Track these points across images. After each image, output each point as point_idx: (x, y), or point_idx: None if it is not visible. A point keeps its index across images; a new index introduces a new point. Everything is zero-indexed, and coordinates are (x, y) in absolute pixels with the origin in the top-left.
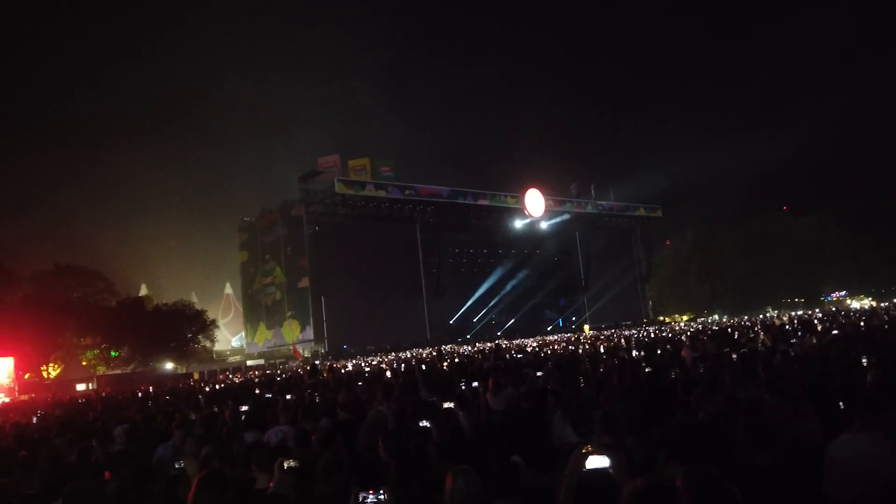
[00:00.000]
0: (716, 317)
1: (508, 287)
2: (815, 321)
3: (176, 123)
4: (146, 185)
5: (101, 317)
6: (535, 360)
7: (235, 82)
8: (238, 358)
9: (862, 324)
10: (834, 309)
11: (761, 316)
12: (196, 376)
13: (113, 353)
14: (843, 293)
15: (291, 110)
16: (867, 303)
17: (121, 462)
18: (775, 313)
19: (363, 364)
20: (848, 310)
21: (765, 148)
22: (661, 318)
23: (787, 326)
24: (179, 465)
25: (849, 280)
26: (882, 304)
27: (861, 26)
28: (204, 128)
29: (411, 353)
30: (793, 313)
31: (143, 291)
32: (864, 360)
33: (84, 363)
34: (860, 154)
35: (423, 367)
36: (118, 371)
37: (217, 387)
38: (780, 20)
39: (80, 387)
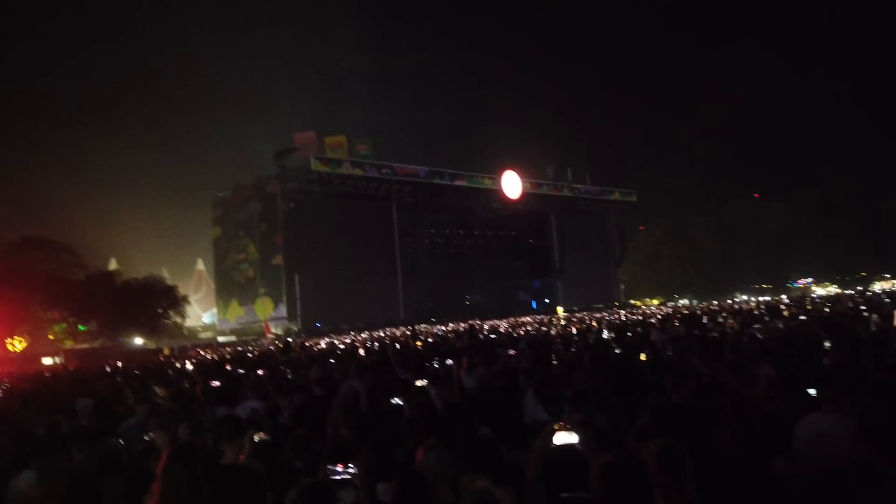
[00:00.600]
0: (686, 301)
1: (484, 268)
2: (782, 306)
3: (150, 98)
4: (118, 159)
5: (68, 290)
6: (509, 340)
7: (211, 58)
8: (209, 334)
9: (827, 310)
10: (800, 295)
11: (730, 301)
12: (166, 352)
13: (81, 328)
14: (810, 280)
15: (268, 87)
16: (832, 290)
17: (87, 437)
18: (743, 298)
19: (336, 342)
20: (813, 296)
21: (739, 135)
22: (633, 301)
23: (755, 311)
24: (149, 437)
25: (815, 267)
26: (847, 292)
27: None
28: (178, 103)
29: (385, 332)
30: (760, 299)
31: (113, 265)
32: (826, 344)
33: (51, 337)
34: (829, 143)
35: (398, 345)
36: (86, 345)
37: (188, 362)
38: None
39: (47, 361)
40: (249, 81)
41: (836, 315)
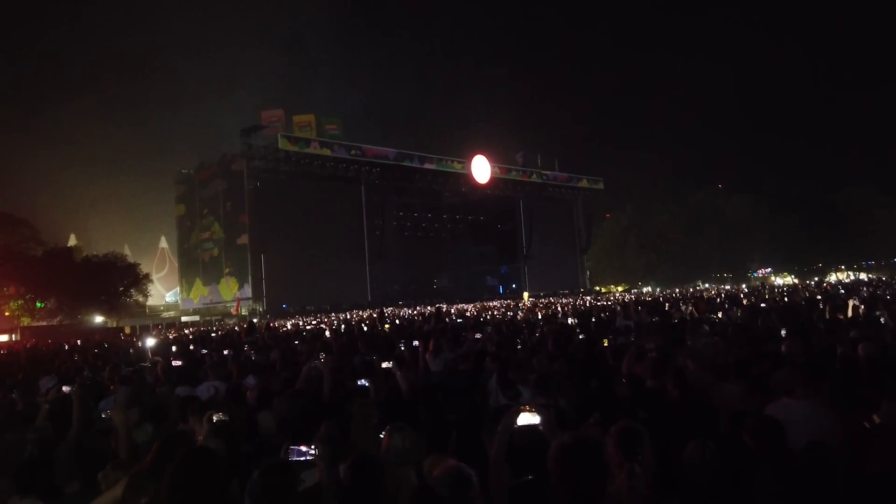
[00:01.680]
0: (649, 288)
1: (451, 252)
2: (742, 295)
3: (115, 75)
4: (80, 134)
5: (25, 266)
6: (475, 324)
7: (179, 36)
8: (172, 314)
9: (786, 299)
10: (759, 284)
11: (692, 289)
12: (127, 331)
13: (38, 305)
14: (769, 270)
15: (235, 65)
16: (790, 280)
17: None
18: (705, 286)
19: (302, 324)
20: (772, 286)
21: (705, 126)
22: (598, 287)
23: (716, 299)
24: (106, 415)
25: (775, 258)
26: (805, 282)
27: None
28: (144, 79)
29: (352, 315)
30: (721, 287)
31: (72, 242)
32: (783, 332)
33: (7, 314)
34: (792, 137)
35: (364, 328)
36: (44, 323)
37: (149, 341)
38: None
39: (2, 338)
40: (217, 59)
41: (794, 304)
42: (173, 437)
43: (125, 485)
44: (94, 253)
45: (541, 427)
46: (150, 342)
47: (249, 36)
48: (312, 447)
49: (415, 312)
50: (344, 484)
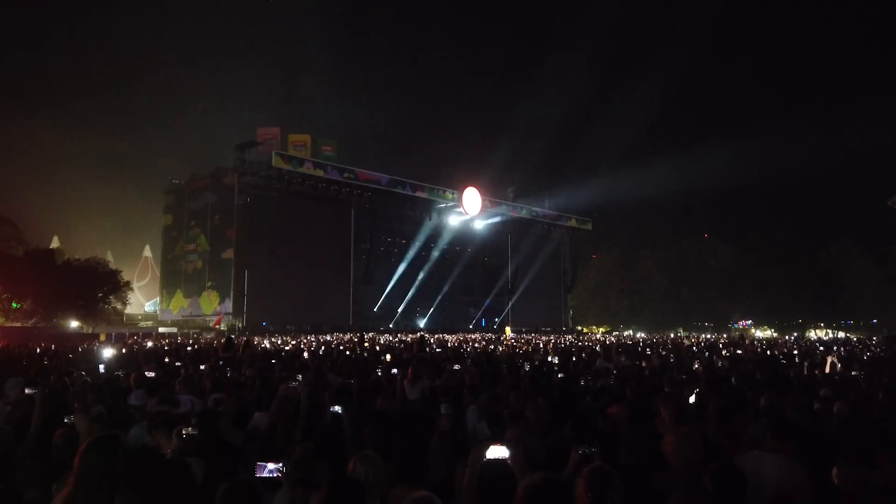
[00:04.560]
0: (631, 332)
1: (436, 281)
2: (720, 345)
3: (111, 83)
4: (71, 137)
5: (4, 265)
6: (455, 355)
7: (176, 50)
8: (150, 323)
9: (768, 352)
10: (739, 336)
11: (672, 335)
12: (102, 338)
13: (14, 305)
14: (750, 322)
15: (233, 81)
16: (769, 333)
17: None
18: (685, 334)
19: (280, 343)
20: (752, 338)
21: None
22: (580, 327)
23: (694, 348)
24: (69, 419)
25: (756, 310)
26: (785, 336)
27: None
28: (140, 88)
29: (332, 337)
30: (702, 336)
31: (55, 244)
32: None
33: None
34: (777, 192)
35: (345, 350)
36: (18, 324)
37: (124, 350)
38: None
39: None
40: (216, 74)
41: (772, 358)
42: (99, 440)
43: (63, 501)
44: (77, 257)
45: (509, 461)
46: (108, 352)
47: (249, 53)
48: (280, 465)
49: (396, 339)
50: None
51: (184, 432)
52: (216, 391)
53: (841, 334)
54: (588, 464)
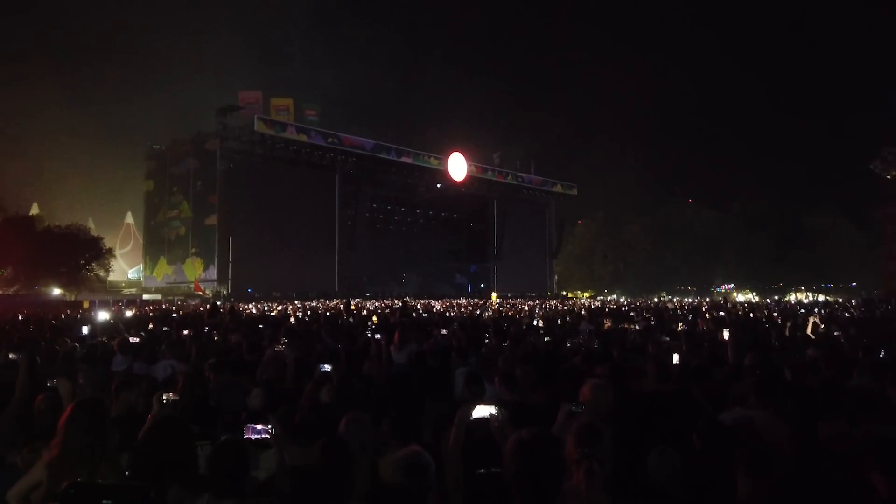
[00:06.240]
0: (615, 296)
1: (422, 247)
2: (703, 308)
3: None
4: (49, 102)
5: None
6: (441, 319)
7: (157, 11)
8: (134, 291)
9: (750, 314)
10: (721, 299)
11: (655, 299)
12: (86, 305)
13: None
14: (731, 286)
15: (215, 43)
16: (751, 297)
17: None
18: (669, 298)
19: (266, 309)
20: (734, 301)
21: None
22: (565, 292)
23: (678, 311)
24: (52, 383)
25: (738, 274)
26: (766, 300)
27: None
28: (119, 51)
29: (318, 303)
30: (685, 300)
31: (35, 211)
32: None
33: None
34: (763, 157)
35: (329, 315)
36: None
37: (102, 315)
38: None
39: None
40: (196, 38)
41: (755, 320)
42: (84, 403)
43: (47, 465)
44: (57, 224)
45: (494, 422)
46: (103, 316)
47: (230, 16)
48: (269, 426)
49: (381, 305)
50: (314, 464)
51: (164, 397)
52: (202, 356)
53: (821, 297)
54: (576, 421)
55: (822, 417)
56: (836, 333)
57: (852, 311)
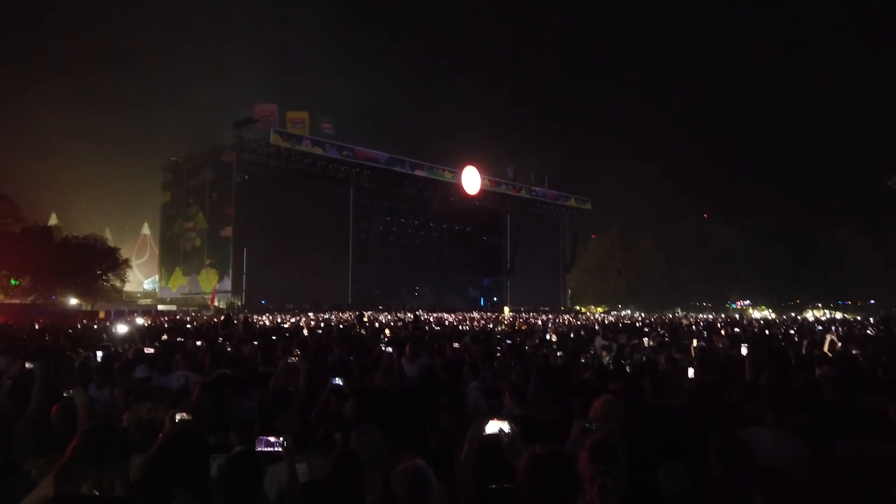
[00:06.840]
0: (629, 311)
1: (435, 260)
2: (719, 324)
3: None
4: (69, 114)
5: (2, 241)
6: (454, 333)
7: (175, 26)
8: (149, 301)
9: (767, 331)
10: (737, 316)
11: (670, 315)
12: (102, 315)
13: (13, 282)
14: (747, 302)
15: (232, 56)
16: (767, 313)
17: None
18: (683, 314)
19: (279, 320)
20: (750, 318)
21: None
22: (578, 307)
23: (693, 327)
24: (68, 393)
25: (754, 291)
26: (783, 316)
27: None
28: (138, 63)
29: (331, 315)
30: (699, 316)
31: (53, 221)
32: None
33: None
34: (778, 172)
35: (342, 328)
36: (16, 301)
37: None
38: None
39: None
40: (214, 51)
41: (771, 337)
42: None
43: (55, 476)
44: (75, 234)
45: (505, 438)
46: (122, 328)
47: (248, 30)
48: (281, 439)
49: (394, 318)
50: (324, 478)
51: (177, 417)
52: (215, 367)
53: (838, 315)
54: (590, 437)
55: (839, 437)
56: (854, 352)
57: (870, 329)
